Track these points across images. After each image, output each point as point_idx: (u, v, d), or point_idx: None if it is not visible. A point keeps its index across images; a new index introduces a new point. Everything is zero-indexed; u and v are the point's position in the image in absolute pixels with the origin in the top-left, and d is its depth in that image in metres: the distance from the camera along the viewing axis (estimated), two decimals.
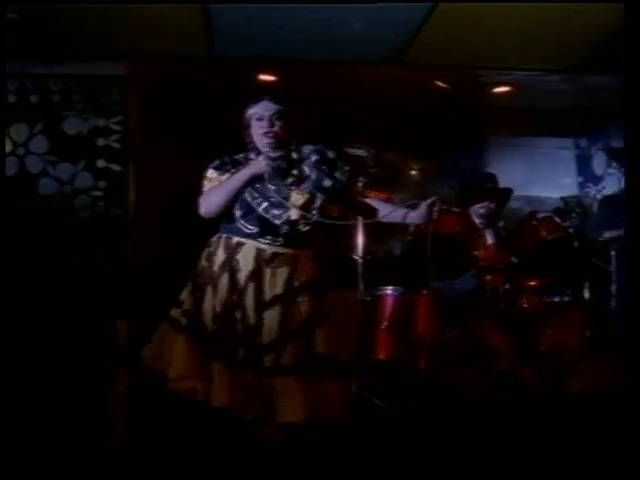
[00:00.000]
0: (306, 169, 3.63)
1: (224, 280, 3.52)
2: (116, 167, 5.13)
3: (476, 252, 4.83)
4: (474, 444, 3.71)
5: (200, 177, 3.71)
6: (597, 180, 6.66)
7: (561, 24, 4.34)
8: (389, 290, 4.70)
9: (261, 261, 3.51)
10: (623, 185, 5.95)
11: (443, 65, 5.19)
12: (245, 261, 3.52)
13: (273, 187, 3.56)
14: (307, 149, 3.68)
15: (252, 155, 3.65)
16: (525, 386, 4.27)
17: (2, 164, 4.81)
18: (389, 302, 4.68)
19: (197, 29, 4.62)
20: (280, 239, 3.52)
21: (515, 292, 4.78)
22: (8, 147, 5.07)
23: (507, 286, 4.77)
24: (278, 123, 3.57)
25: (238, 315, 3.48)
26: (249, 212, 3.56)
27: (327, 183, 3.60)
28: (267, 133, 3.56)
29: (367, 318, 4.56)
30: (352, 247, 4.59)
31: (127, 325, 4.58)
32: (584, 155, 6.88)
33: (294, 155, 3.65)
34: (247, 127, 3.64)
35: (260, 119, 3.59)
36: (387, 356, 4.58)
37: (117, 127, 5.15)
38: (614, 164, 6.36)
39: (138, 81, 5.27)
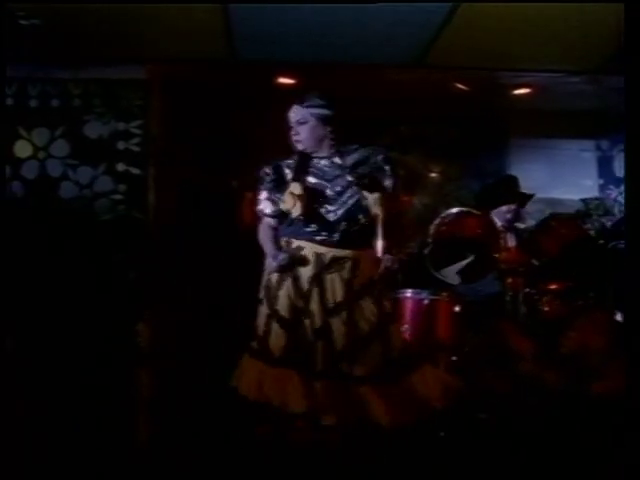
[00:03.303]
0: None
1: (289, 287, 3.55)
2: (136, 171, 5.14)
3: (497, 255, 4.79)
4: (496, 447, 3.69)
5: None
6: (619, 182, 6.60)
7: (583, 25, 4.31)
8: (409, 293, 4.68)
9: (321, 267, 3.53)
10: None
11: (464, 67, 5.17)
12: (305, 268, 3.55)
13: (328, 183, 3.61)
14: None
15: (292, 160, 3.69)
16: (548, 389, 4.24)
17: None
18: (409, 305, 4.66)
19: (218, 32, 4.63)
20: (335, 236, 3.54)
21: (537, 295, 4.74)
22: (29, 151, 5.10)
23: (528, 289, 4.74)
24: (304, 128, 3.62)
25: (307, 322, 3.51)
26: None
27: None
28: (297, 139, 3.64)
29: None
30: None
31: (148, 328, 4.59)
32: (606, 157, 6.83)
33: (338, 159, 3.68)
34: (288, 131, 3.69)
35: (290, 127, 3.64)
36: None
37: (137, 131, 5.16)
38: None
39: (158, 84, 5.28)
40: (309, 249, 3.55)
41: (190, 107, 5.58)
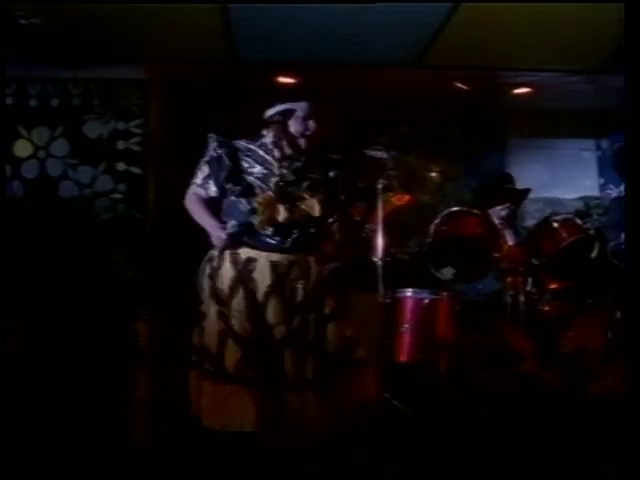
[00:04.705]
0: (330, 173, 3.60)
1: (239, 298, 3.44)
2: (136, 170, 5.15)
3: (497, 254, 4.79)
4: (494, 447, 3.68)
5: None
6: (618, 182, 6.60)
7: (583, 25, 4.32)
8: (409, 292, 4.68)
9: (278, 274, 3.45)
10: None
11: (464, 67, 5.17)
12: (262, 277, 3.44)
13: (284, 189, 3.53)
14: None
15: (266, 140, 3.61)
16: (547, 389, 4.24)
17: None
18: (409, 304, 4.65)
19: (217, 32, 4.63)
20: (288, 241, 3.46)
21: (537, 294, 4.74)
22: (29, 150, 5.11)
23: (528, 288, 4.74)
24: (314, 126, 3.56)
25: (267, 334, 3.42)
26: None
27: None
28: (310, 135, 3.55)
29: (387, 320, 4.53)
30: (372, 249, 4.56)
31: (147, 326, 4.59)
32: (605, 156, 6.83)
33: (315, 159, 3.61)
34: (282, 121, 3.58)
35: (304, 119, 3.55)
36: (408, 358, 4.55)
37: (137, 130, 5.17)
38: None
39: (158, 84, 5.28)
40: (263, 258, 3.45)
41: (189, 107, 5.58)
